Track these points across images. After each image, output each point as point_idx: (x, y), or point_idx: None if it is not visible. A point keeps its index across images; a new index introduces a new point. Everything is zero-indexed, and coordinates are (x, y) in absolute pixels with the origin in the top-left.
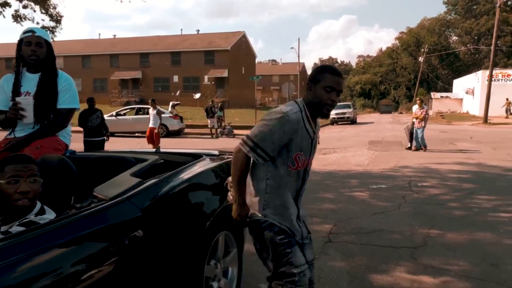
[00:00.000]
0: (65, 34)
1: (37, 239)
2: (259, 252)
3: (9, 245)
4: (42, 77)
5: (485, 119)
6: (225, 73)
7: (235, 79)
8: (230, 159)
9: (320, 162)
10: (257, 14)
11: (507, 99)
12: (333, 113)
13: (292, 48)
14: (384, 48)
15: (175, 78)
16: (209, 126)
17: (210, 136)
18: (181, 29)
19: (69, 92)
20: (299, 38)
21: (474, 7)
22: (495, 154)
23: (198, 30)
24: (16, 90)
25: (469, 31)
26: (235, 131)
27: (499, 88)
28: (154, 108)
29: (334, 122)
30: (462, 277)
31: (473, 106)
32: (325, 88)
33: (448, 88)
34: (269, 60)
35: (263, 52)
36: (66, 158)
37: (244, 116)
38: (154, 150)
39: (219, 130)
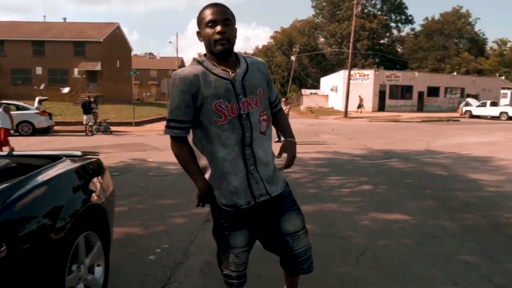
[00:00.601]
0: None
1: None
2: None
3: None
4: None
5: (345, 114)
6: (98, 66)
7: (110, 73)
8: (94, 159)
9: None
10: (132, 4)
11: (359, 96)
12: None
13: (170, 42)
14: (260, 46)
15: (39, 70)
16: (84, 123)
17: (84, 134)
18: (44, 16)
19: None
20: (177, 33)
21: (338, 12)
22: (349, 144)
23: (65, 18)
24: None
25: (333, 34)
26: (112, 128)
27: (357, 87)
28: (0, 105)
29: None
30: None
31: (337, 102)
32: (207, 25)
33: (317, 85)
34: (145, 53)
35: (139, 44)
36: None
37: (120, 112)
38: (5, 153)
39: (94, 127)
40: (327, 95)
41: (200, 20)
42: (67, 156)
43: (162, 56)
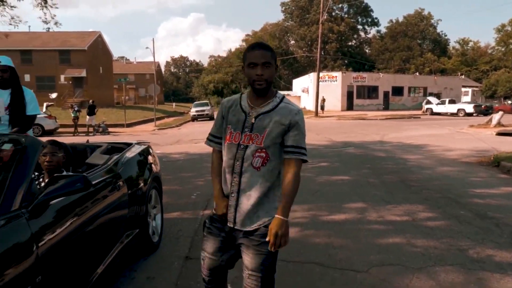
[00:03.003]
0: None
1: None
2: None
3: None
4: (12, 92)
5: (316, 113)
6: (83, 73)
7: (94, 79)
8: (147, 145)
9: (189, 148)
10: (99, 7)
11: (322, 97)
12: (193, 111)
13: (147, 48)
14: (233, 49)
15: (27, 77)
16: (87, 124)
17: (85, 134)
18: (29, 26)
19: (33, 103)
20: (153, 39)
21: (307, 16)
22: (317, 138)
23: (49, 28)
24: None
25: (303, 37)
26: (109, 129)
27: (326, 88)
28: None
29: (195, 118)
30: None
31: (309, 102)
32: (249, 66)
33: (289, 87)
34: (118, 57)
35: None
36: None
37: (108, 115)
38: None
39: (94, 128)
40: (299, 96)
41: (244, 58)
42: (135, 143)
43: (138, 60)
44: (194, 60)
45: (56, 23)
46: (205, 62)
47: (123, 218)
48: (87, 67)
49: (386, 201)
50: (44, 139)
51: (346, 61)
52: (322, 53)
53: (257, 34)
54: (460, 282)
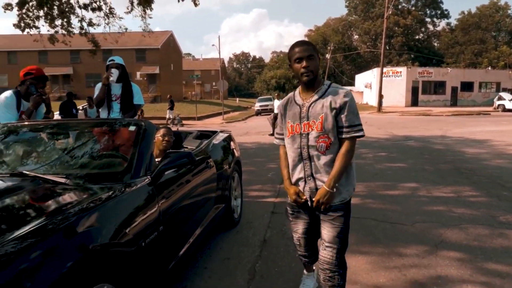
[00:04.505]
0: None
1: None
2: None
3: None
4: (123, 86)
5: (379, 109)
6: (156, 70)
7: (165, 75)
8: (229, 133)
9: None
10: (166, 5)
11: (381, 94)
12: (257, 106)
13: (213, 45)
14: None
15: None
16: (167, 117)
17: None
18: (109, 27)
19: (138, 94)
20: (219, 36)
21: (371, 10)
22: (378, 131)
23: (126, 29)
24: (109, 94)
25: (367, 31)
26: (183, 121)
27: (390, 83)
28: None
29: (259, 113)
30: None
31: (371, 98)
32: (295, 61)
33: (352, 82)
34: (185, 54)
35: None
36: None
37: (180, 108)
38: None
39: (170, 120)
40: (362, 92)
41: (289, 57)
42: (219, 131)
43: (204, 57)
44: (255, 56)
45: (150, 31)
46: (266, 57)
47: (213, 193)
48: (160, 64)
49: (436, 183)
50: None
51: (412, 56)
52: (387, 48)
53: (320, 29)
54: (485, 235)
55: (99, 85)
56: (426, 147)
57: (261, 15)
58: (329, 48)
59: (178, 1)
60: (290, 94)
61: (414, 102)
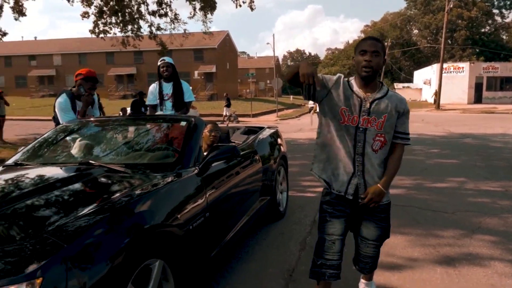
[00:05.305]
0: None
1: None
2: None
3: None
4: (174, 85)
5: (438, 106)
6: (213, 69)
7: (222, 74)
8: (276, 129)
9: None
10: (222, 5)
11: (435, 90)
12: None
13: (268, 43)
14: (350, 41)
15: None
16: (224, 114)
17: (221, 122)
18: (172, 29)
19: (188, 92)
20: (273, 34)
21: (432, 2)
22: (434, 129)
23: (185, 30)
24: (161, 93)
25: (428, 25)
26: (238, 118)
27: (451, 79)
28: None
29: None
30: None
31: (430, 95)
32: (359, 52)
33: (410, 78)
34: (239, 52)
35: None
36: None
37: (235, 106)
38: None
39: (226, 117)
40: (421, 89)
41: (356, 48)
42: (266, 127)
43: (259, 55)
44: (310, 53)
45: (210, 33)
46: (321, 54)
47: (258, 185)
48: (217, 63)
49: (486, 178)
50: None
51: (477, 50)
52: (449, 42)
53: (377, 24)
54: None
55: (151, 89)
56: (483, 145)
57: (316, 11)
58: (386, 43)
59: (236, 6)
60: (344, 79)
61: (478, 99)
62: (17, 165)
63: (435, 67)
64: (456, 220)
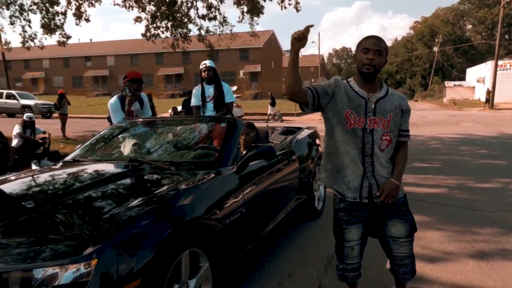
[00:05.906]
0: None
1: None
2: None
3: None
4: (216, 87)
5: (492, 105)
6: (258, 68)
7: (267, 73)
8: (314, 130)
9: None
10: (267, 5)
11: (488, 89)
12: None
13: (313, 42)
14: (399, 38)
15: None
16: (269, 113)
17: (265, 121)
18: (220, 30)
19: (229, 93)
20: (319, 33)
21: None
22: (485, 129)
23: (231, 30)
24: (203, 95)
25: (483, 20)
26: (282, 117)
27: (507, 77)
28: None
29: None
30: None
31: (484, 93)
32: (362, 50)
33: (462, 76)
34: (284, 51)
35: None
36: None
37: (280, 105)
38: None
39: (271, 116)
40: (473, 87)
41: (358, 45)
42: (305, 128)
43: (304, 54)
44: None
45: (256, 35)
46: None
47: (295, 184)
48: (262, 62)
49: None
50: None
51: None
52: (506, 38)
53: (428, 20)
54: None
55: (195, 91)
56: None
57: (363, 8)
58: (437, 40)
59: (281, 8)
60: (343, 81)
61: None
62: (75, 161)
63: (490, 64)
64: (496, 219)
